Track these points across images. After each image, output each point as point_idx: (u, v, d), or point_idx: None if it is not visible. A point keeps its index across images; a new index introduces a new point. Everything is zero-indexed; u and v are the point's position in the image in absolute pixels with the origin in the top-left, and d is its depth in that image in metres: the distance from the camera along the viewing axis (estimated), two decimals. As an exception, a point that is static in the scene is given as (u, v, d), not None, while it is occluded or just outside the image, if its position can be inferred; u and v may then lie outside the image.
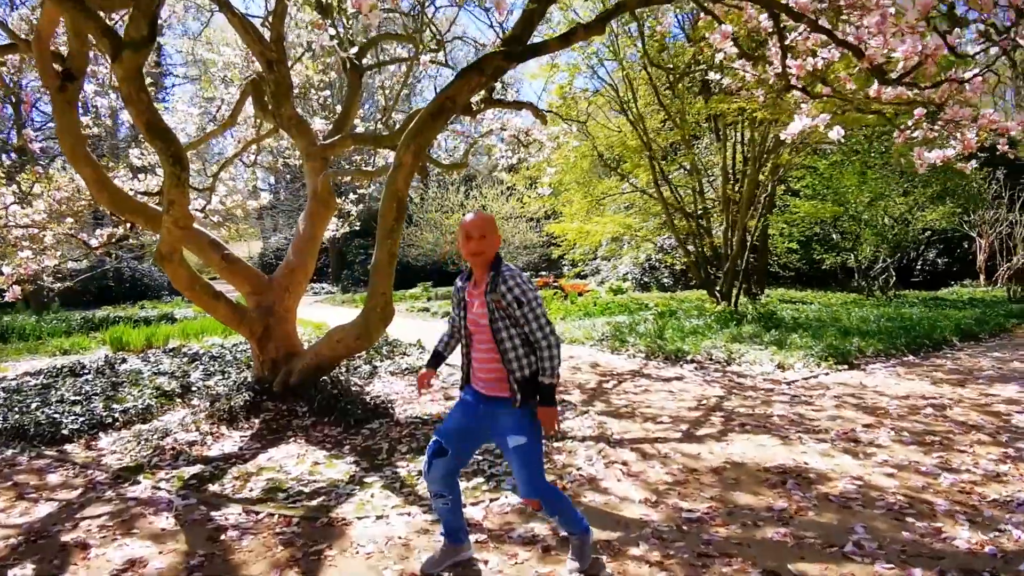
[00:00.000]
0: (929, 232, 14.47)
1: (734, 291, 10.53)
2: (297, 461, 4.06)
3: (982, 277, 14.62)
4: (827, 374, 6.34)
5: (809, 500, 3.21)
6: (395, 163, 4.73)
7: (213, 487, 3.65)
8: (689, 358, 7.25)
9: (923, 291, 14.86)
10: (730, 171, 10.94)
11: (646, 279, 20.71)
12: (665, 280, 20.55)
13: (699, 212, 11.24)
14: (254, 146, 7.63)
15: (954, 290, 14.26)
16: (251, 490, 3.59)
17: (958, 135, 4.29)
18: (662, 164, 10.94)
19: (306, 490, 3.57)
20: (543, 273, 23.78)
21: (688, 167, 10.79)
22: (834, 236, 14.60)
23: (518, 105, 6.86)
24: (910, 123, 4.33)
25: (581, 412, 5.12)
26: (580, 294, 17.08)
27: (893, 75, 4.04)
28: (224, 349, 7.91)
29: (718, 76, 7.72)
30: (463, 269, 2.63)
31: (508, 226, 24.09)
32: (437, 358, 2.73)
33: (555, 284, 21.05)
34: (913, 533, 2.81)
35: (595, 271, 23.92)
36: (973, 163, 4.43)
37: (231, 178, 8.48)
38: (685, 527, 2.96)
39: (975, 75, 3.81)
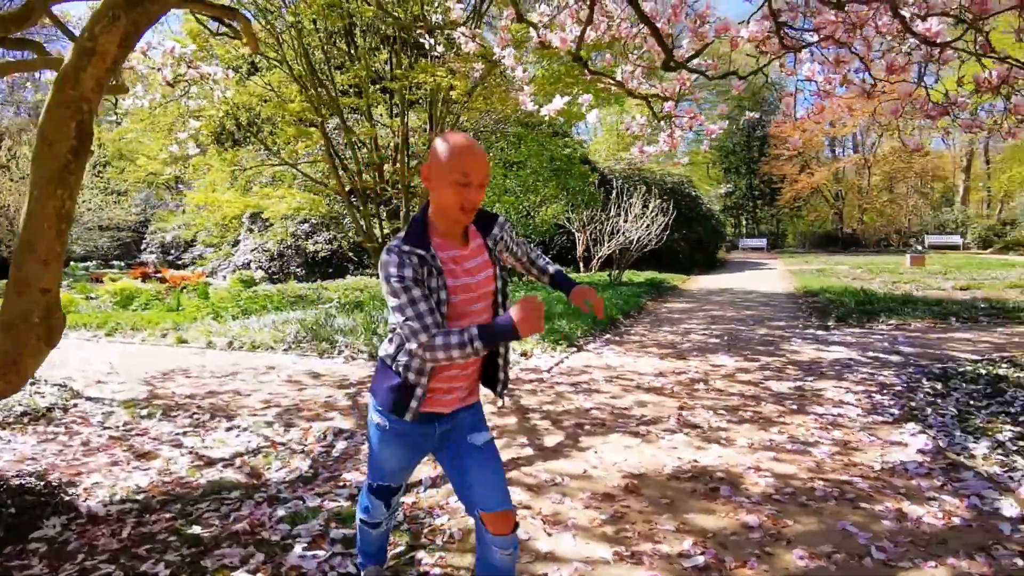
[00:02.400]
0: (556, 226, 16.71)
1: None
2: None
3: (581, 265, 17.72)
4: (567, 357, 6.39)
5: (761, 506, 2.87)
6: (78, 49, 2.65)
7: None
8: (425, 354, 6.44)
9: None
10: (404, 151, 10.35)
11: (273, 269, 18.56)
12: (297, 270, 18.79)
13: (381, 191, 10.33)
14: None
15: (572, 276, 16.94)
16: None
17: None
18: (339, 135, 9.64)
19: None
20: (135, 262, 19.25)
21: (365, 142, 9.78)
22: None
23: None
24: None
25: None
26: (184, 288, 13.40)
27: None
28: None
29: (432, 42, 7.08)
30: (392, 241, 1.73)
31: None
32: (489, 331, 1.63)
33: (157, 275, 17.15)
34: (892, 521, 2.71)
35: (197, 259, 20.55)
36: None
37: None
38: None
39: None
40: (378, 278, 15.95)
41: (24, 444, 3.99)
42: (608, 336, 7.74)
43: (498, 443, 3.85)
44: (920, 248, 27.54)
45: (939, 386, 4.84)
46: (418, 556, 2.51)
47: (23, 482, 3.01)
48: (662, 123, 5.29)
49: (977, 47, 3.35)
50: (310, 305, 10.17)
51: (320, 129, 9.06)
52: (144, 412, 4.65)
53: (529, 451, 3.69)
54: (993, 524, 2.59)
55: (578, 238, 17.26)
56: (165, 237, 24.98)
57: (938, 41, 3.49)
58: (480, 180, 1.66)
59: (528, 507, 2.93)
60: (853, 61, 4.02)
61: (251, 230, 18.79)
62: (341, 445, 3.85)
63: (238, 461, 3.59)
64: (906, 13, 3.42)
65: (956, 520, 2.65)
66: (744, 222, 42.09)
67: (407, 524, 2.77)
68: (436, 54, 7.45)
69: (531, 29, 4.79)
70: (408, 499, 3.03)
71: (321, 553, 2.51)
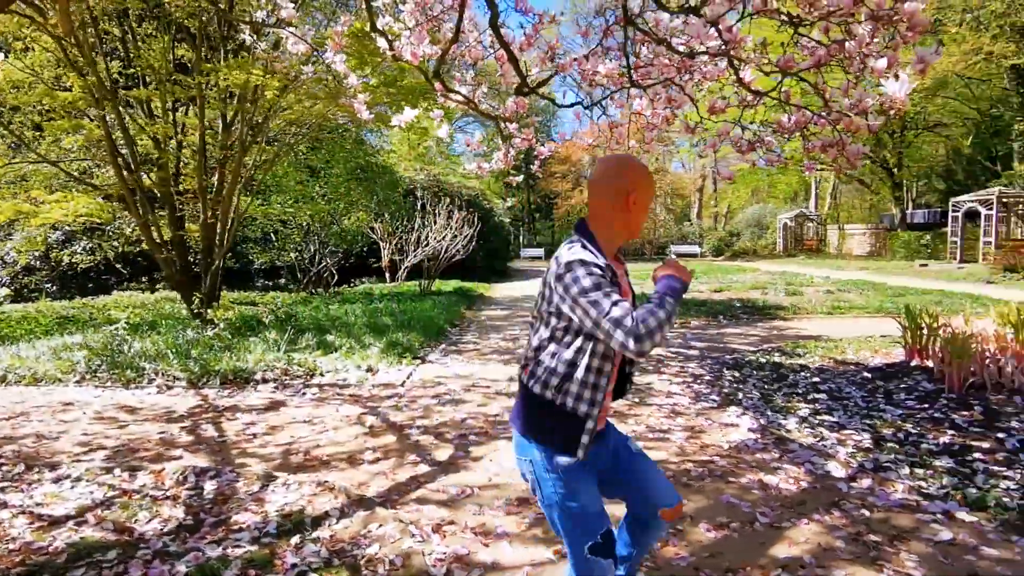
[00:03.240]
0: (361, 235, 16.18)
1: (209, 294, 9.03)
2: None
3: (387, 274, 17.44)
4: (414, 370, 6.35)
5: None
6: None
7: None
8: (259, 377, 5.90)
9: (343, 287, 16.50)
10: (210, 152, 9.31)
11: (18, 285, 15.26)
12: (48, 286, 15.67)
13: (175, 195, 9.09)
14: None
15: (374, 286, 16.48)
16: None
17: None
18: (123, 127, 8.28)
19: None
20: None
21: (161, 140, 8.55)
22: (271, 235, 14.52)
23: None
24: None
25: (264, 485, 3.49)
26: None
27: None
28: None
29: (252, 38, 6.59)
30: (574, 238, 1.72)
31: None
32: None
33: None
34: (759, 490, 3.22)
35: None
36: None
37: None
38: None
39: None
40: (155, 291, 14.00)
41: None
42: (444, 346, 7.84)
43: (387, 463, 3.75)
44: (674, 256, 32.14)
45: (737, 374, 5.83)
46: (367, 589, 2.39)
47: None
48: (499, 142, 5.59)
49: (781, 96, 4.14)
50: (82, 328, 8.59)
51: (103, 123, 7.74)
52: (-92, 475, 3.61)
53: (425, 467, 3.66)
54: (831, 484, 3.27)
55: (383, 247, 17.02)
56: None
57: (754, 88, 4.24)
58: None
59: (452, 522, 2.93)
60: (685, 102, 4.71)
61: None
62: (211, 485, 3.42)
63: (91, 517, 3.00)
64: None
65: (804, 484, 3.28)
66: (524, 233, 45.14)
67: (337, 559, 2.61)
68: (254, 51, 6.88)
69: (382, 40, 4.74)
70: (323, 534, 2.83)
71: (256, 606, 2.26)
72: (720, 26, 3.68)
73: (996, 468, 3.35)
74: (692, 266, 25.89)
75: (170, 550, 2.69)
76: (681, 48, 3.99)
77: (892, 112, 3.10)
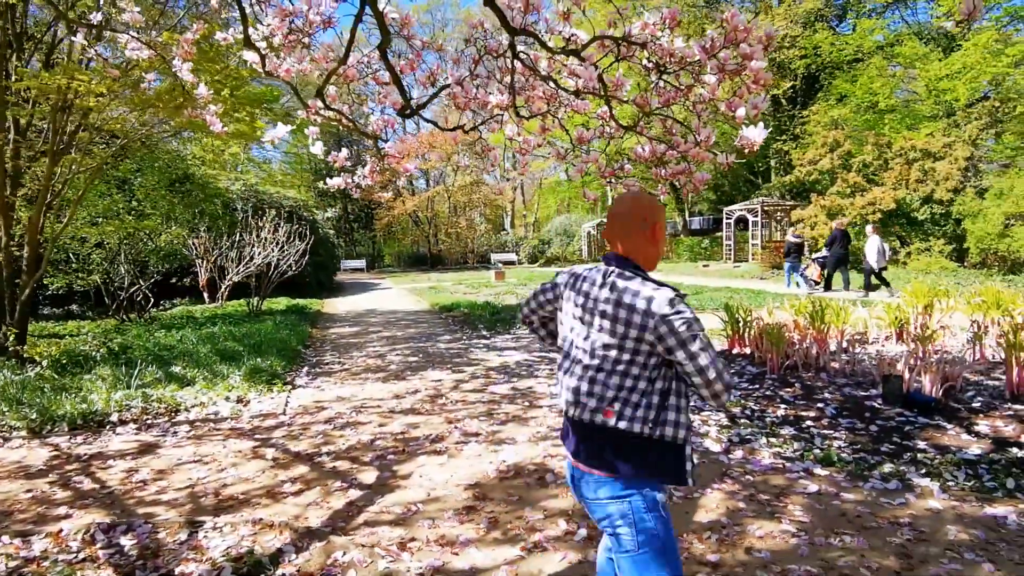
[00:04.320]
0: (172, 254, 14.56)
1: (21, 327, 7.69)
2: None
3: (206, 294, 15.89)
4: (289, 396, 6.09)
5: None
6: None
7: None
8: (115, 418, 5.26)
9: (158, 311, 14.75)
10: (15, 167, 7.88)
11: None
12: None
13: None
14: None
15: (192, 308, 14.87)
16: None
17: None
18: None
19: None
20: None
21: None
22: (71, 256, 12.57)
23: None
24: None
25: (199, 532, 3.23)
26: None
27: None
28: None
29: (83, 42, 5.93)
30: (629, 273, 1.78)
31: None
32: None
33: None
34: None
35: None
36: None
37: None
38: None
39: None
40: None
41: None
42: (307, 369, 7.56)
43: (313, 493, 3.69)
44: (499, 265, 33.43)
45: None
46: (364, 613, 2.44)
47: None
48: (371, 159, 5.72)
49: (638, 130, 4.81)
50: None
51: None
52: None
53: (357, 492, 3.67)
54: (715, 458, 3.92)
55: (200, 265, 15.55)
56: None
57: (620, 123, 4.87)
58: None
59: (414, 539, 3.04)
60: (556, 129, 5.22)
61: None
62: (128, 541, 3.10)
63: (-8, 600, 2.59)
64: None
65: (695, 459, 3.90)
66: (342, 244, 43.81)
67: (317, 591, 2.60)
68: (85, 58, 6.05)
69: (253, 54, 4.64)
70: (287, 570, 2.78)
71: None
72: (599, 72, 4.23)
73: (826, 432, 4.28)
74: (514, 272, 27.32)
75: (120, 616, 2.46)
76: (570, 86, 4.47)
77: (747, 151, 3.84)
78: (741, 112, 3.76)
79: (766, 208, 23.20)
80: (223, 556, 2.91)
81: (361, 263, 38.21)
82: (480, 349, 8.46)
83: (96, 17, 5.94)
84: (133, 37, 4.94)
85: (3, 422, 5.00)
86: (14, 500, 3.65)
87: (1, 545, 3.04)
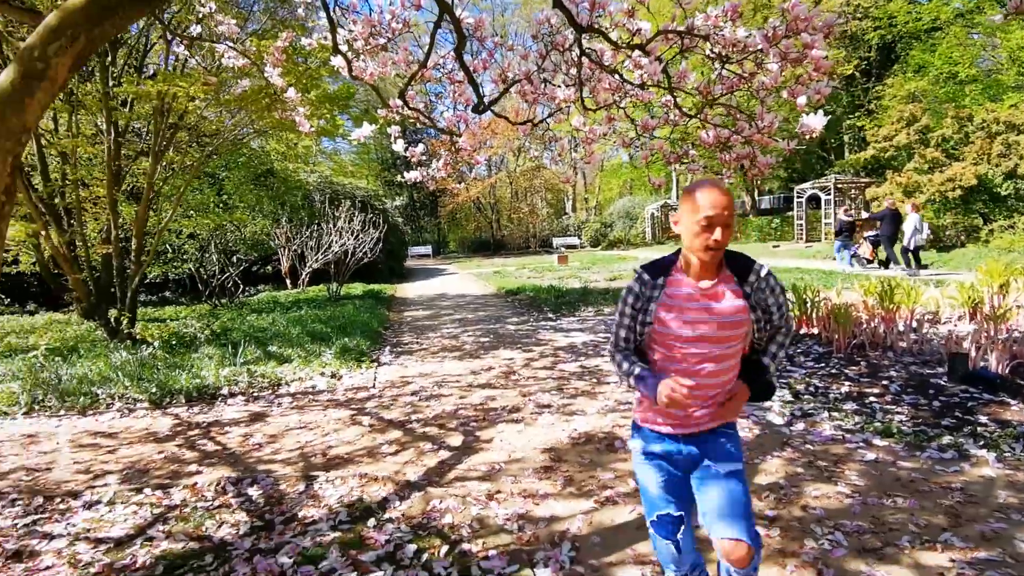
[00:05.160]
0: (257, 244, 15.65)
1: (131, 312, 8.62)
2: None
3: (288, 281, 16.99)
4: (377, 373, 6.65)
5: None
6: (25, 70, 2.25)
7: None
8: (225, 392, 5.94)
9: (246, 296, 15.88)
10: (117, 166, 8.81)
11: None
12: None
13: (81, 210, 8.53)
14: None
15: (276, 293, 15.96)
16: None
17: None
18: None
19: None
20: None
21: (69, 154, 7.98)
22: (168, 247, 13.76)
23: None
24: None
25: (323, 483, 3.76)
26: None
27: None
28: None
29: (186, 53, 6.56)
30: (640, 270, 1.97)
31: None
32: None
33: None
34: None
35: None
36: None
37: None
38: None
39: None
40: (33, 314, 12.80)
41: None
42: (389, 347, 8.14)
43: (408, 453, 4.16)
44: (563, 249, 33.68)
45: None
46: (464, 548, 2.85)
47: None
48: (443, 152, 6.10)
49: (703, 116, 5.00)
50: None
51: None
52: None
53: (446, 453, 4.12)
54: (777, 430, 4.15)
55: (282, 253, 16.60)
56: None
57: (685, 111, 5.07)
58: (723, 221, 1.78)
59: (499, 491, 3.45)
60: (622, 118, 5.46)
61: None
62: (255, 491, 3.65)
63: (156, 532, 3.17)
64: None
65: (757, 432, 4.14)
66: (410, 231, 45.03)
67: (422, 531, 3.04)
68: (190, 66, 6.73)
69: (339, 59, 5.07)
70: (394, 514, 3.24)
71: (379, 574, 2.65)
72: (663, 65, 4.45)
73: (888, 407, 4.41)
74: (576, 256, 27.47)
75: (261, 547, 2.97)
76: (634, 78, 4.71)
77: (808, 138, 4.00)
78: (802, 100, 3.93)
79: (839, 186, 22.42)
80: (337, 503, 3.40)
81: (427, 249, 39.22)
82: (547, 330, 8.82)
83: (195, 30, 6.60)
84: (229, 47, 5.52)
85: (127, 395, 5.75)
86: (148, 460, 4.30)
87: (144, 496, 3.64)
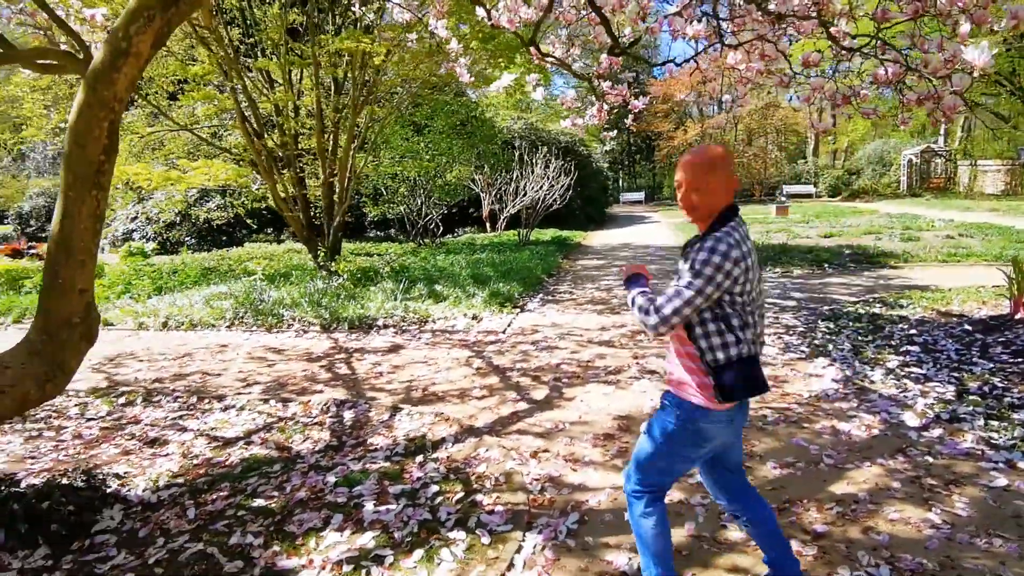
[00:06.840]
0: (462, 187, 16.92)
1: (332, 247, 10.02)
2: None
3: (488, 224, 18.16)
4: (514, 318, 6.90)
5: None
6: (111, 49, 2.68)
7: None
8: (380, 323, 6.69)
9: (446, 237, 17.39)
10: (325, 116, 10.14)
11: (162, 239, 17.48)
12: (188, 239, 17.78)
13: (297, 156, 10.07)
14: None
15: (475, 236, 17.28)
16: None
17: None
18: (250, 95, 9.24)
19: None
20: None
21: (281, 108, 9.47)
22: (382, 190, 15.51)
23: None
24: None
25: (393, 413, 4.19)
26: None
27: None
28: None
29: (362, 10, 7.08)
30: None
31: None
32: None
33: (31, 251, 15.79)
34: (830, 435, 3.50)
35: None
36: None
37: None
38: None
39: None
40: (280, 242, 15.50)
41: (11, 444, 3.92)
42: (541, 296, 8.34)
43: (492, 400, 4.32)
44: (784, 199, 30.57)
45: (832, 325, 5.89)
46: (477, 499, 2.95)
47: (69, 481, 3.07)
48: (593, 98, 5.81)
49: (877, 49, 4.11)
50: (223, 278, 9.87)
51: (232, 94, 8.70)
52: (122, 400, 4.64)
53: (524, 405, 4.20)
54: (903, 433, 3.46)
55: (483, 199, 17.64)
56: (22, 207, 22.32)
57: (846, 44, 4.23)
58: (685, 184, 1.88)
59: (547, 450, 3.45)
60: (778, 58, 4.73)
61: (141, 199, 17.37)
62: (349, 414, 4.15)
63: (256, 438, 3.80)
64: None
65: (875, 432, 3.50)
66: (623, 176, 44.23)
67: (453, 475, 3.20)
68: (367, 22, 7.40)
69: (480, 9, 5.05)
70: (441, 455, 3.45)
71: (392, 507, 2.88)
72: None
73: (1082, 423, 3.39)
74: (805, 207, 24.56)
75: (321, 464, 3.40)
76: (772, 8, 4.05)
77: (976, 75, 3.10)
78: (965, 28, 3.09)
79: None
80: (403, 436, 3.72)
81: (639, 195, 38.29)
82: (711, 290, 8.22)
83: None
84: (395, 4, 5.88)
85: (305, 319, 6.76)
86: (290, 376, 5.07)
87: (268, 407, 4.33)
